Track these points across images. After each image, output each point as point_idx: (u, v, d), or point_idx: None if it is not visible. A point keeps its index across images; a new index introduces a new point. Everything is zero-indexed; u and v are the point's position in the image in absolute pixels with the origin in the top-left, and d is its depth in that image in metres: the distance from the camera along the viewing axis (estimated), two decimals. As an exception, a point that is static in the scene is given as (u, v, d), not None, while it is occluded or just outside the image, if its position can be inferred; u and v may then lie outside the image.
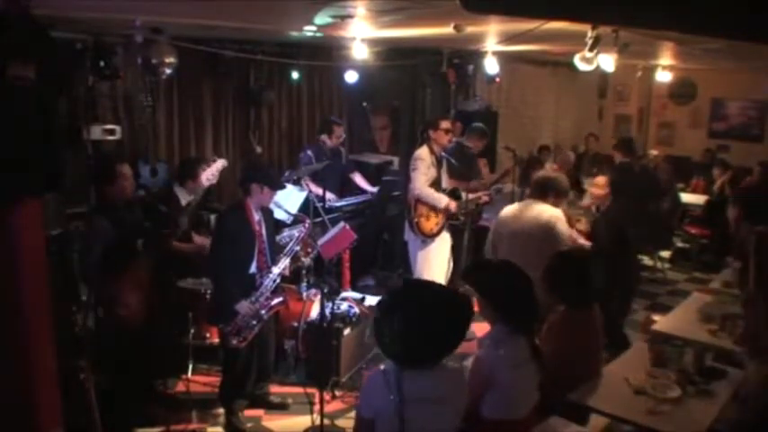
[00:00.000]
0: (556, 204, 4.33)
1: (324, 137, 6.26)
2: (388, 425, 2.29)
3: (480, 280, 2.92)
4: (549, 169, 4.79)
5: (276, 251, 4.17)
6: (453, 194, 5.59)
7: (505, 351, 2.70)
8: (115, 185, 3.97)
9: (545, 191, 4.33)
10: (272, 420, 4.27)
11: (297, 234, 4.36)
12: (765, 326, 3.00)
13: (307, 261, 4.80)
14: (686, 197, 8.48)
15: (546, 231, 4.15)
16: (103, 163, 4.42)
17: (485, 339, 2.87)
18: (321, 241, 4.66)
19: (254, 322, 3.96)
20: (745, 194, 3.82)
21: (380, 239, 6.93)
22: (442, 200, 5.39)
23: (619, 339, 4.75)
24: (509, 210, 4.44)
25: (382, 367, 2.41)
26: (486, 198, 5.99)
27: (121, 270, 3.86)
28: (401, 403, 2.26)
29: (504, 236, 4.36)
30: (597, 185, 5.19)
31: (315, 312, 4.74)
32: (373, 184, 6.79)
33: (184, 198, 4.63)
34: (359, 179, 6.66)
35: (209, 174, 4.32)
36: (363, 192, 6.68)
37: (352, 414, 4.16)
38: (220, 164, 4.38)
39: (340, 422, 4.22)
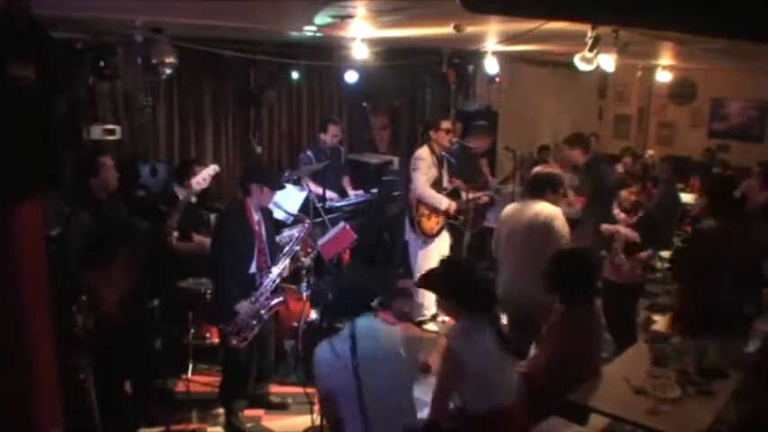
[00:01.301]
0: (555, 201, 4.28)
1: (322, 135, 6.28)
2: (347, 390, 2.45)
3: (435, 285, 3.02)
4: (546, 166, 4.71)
5: (276, 251, 4.17)
6: (454, 195, 5.59)
7: (473, 338, 2.77)
8: (98, 178, 3.93)
9: (540, 188, 4.27)
10: (272, 420, 4.27)
11: (297, 234, 4.36)
12: (690, 306, 3.75)
13: (307, 261, 4.80)
14: (686, 197, 8.47)
15: (544, 230, 4.10)
16: (86, 156, 4.39)
17: (451, 331, 2.95)
18: (321, 241, 4.66)
19: (254, 322, 3.96)
20: (715, 187, 4.09)
21: (380, 239, 6.93)
22: (443, 202, 5.39)
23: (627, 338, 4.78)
24: (508, 209, 4.41)
25: (326, 342, 2.60)
26: (485, 199, 5.99)
27: (99, 265, 3.80)
28: (355, 367, 2.44)
29: (503, 235, 4.34)
30: (632, 192, 5.05)
31: (315, 312, 4.74)
32: (373, 185, 6.78)
33: (183, 197, 4.62)
34: (346, 183, 6.65)
35: (200, 178, 4.24)
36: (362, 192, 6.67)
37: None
38: (212, 169, 4.31)
39: (340, 422, 4.22)
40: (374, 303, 2.75)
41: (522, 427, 2.90)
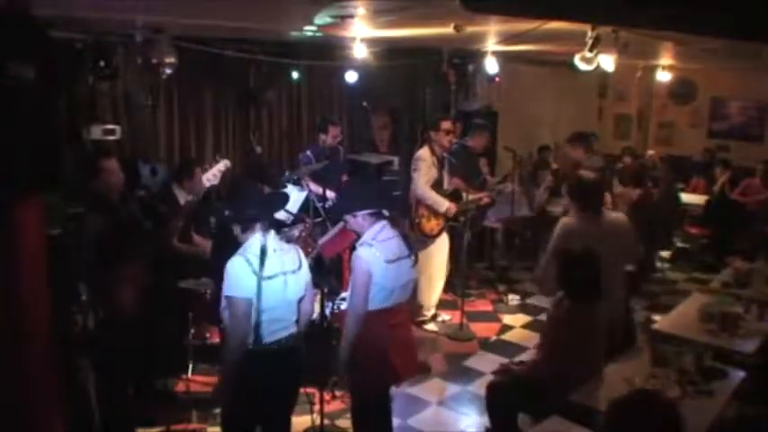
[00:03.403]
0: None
1: (321, 136, 6.26)
2: (252, 298, 2.78)
3: (347, 202, 3.40)
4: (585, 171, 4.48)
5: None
6: (455, 195, 5.59)
7: (379, 250, 3.12)
8: (99, 180, 3.92)
9: (602, 197, 4.04)
10: (272, 420, 4.26)
11: (297, 234, 4.36)
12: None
13: (307, 260, 4.79)
14: (686, 197, 8.47)
15: (629, 238, 3.90)
16: (87, 159, 4.39)
17: (360, 242, 3.25)
18: (321, 241, 4.66)
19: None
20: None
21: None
22: (443, 204, 5.38)
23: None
24: (576, 226, 3.84)
25: (238, 255, 2.84)
26: (487, 199, 5.99)
27: (114, 267, 3.81)
28: (261, 280, 2.77)
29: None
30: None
31: (315, 312, 4.74)
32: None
33: (183, 198, 4.63)
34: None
35: (210, 174, 4.29)
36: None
37: (353, 414, 4.17)
38: (222, 165, 4.36)
39: (340, 422, 4.22)
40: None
41: (408, 316, 3.52)
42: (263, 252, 2.82)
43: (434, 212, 5.46)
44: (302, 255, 3.08)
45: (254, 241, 2.88)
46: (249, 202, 2.97)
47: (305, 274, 3.05)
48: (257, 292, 2.79)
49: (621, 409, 2.11)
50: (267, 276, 2.81)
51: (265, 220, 2.95)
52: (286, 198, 3.50)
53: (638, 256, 4.00)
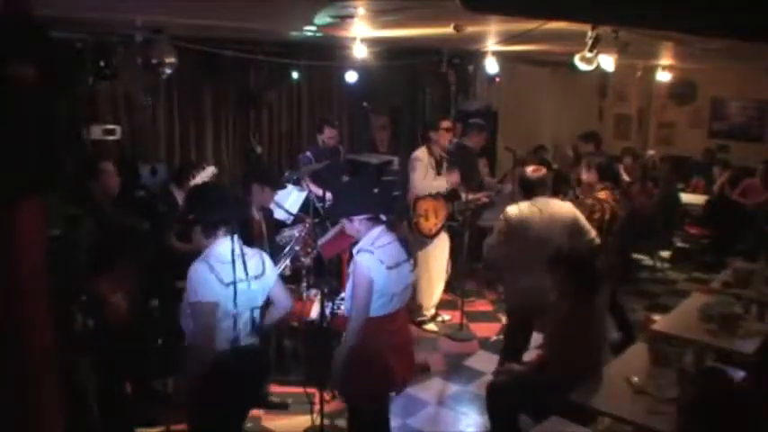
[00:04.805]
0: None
1: (319, 136, 6.26)
2: (223, 301, 2.76)
3: (335, 213, 3.48)
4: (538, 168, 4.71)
5: (276, 251, 4.16)
6: (453, 195, 5.59)
7: (379, 255, 3.06)
8: (98, 182, 3.91)
9: (543, 187, 4.24)
10: (271, 420, 4.27)
11: (297, 234, 4.36)
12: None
13: (307, 261, 4.80)
14: (686, 197, 8.47)
15: (574, 226, 4.05)
16: (87, 160, 4.39)
17: (358, 248, 3.17)
18: (321, 241, 4.66)
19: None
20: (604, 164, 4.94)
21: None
22: (442, 184, 5.41)
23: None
24: (525, 211, 4.12)
25: (200, 261, 2.80)
26: (485, 199, 5.99)
27: (105, 271, 3.79)
28: (234, 283, 2.75)
29: (530, 239, 4.04)
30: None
31: (315, 312, 4.74)
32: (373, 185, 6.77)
33: (182, 199, 4.62)
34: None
35: (199, 180, 4.28)
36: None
37: (353, 414, 4.17)
38: (210, 171, 4.34)
39: (340, 422, 4.22)
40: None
41: (406, 322, 3.48)
42: (226, 257, 2.78)
43: (433, 212, 5.46)
44: (267, 259, 3.03)
45: (216, 246, 2.83)
46: (212, 207, 2.89)
47: (269, 279, 2.99)
48: (220, 298, 2.75)
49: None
50: (229, 282, 2.76)
51: (229, 225, 2.87)
52: (243, 204, 3.46)
53: (589, 238, 4.08)
